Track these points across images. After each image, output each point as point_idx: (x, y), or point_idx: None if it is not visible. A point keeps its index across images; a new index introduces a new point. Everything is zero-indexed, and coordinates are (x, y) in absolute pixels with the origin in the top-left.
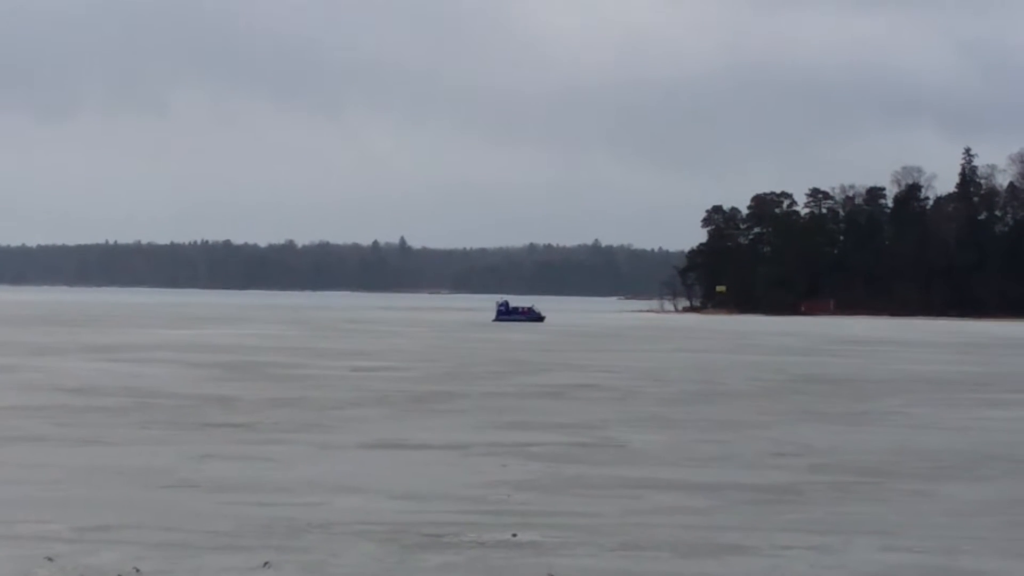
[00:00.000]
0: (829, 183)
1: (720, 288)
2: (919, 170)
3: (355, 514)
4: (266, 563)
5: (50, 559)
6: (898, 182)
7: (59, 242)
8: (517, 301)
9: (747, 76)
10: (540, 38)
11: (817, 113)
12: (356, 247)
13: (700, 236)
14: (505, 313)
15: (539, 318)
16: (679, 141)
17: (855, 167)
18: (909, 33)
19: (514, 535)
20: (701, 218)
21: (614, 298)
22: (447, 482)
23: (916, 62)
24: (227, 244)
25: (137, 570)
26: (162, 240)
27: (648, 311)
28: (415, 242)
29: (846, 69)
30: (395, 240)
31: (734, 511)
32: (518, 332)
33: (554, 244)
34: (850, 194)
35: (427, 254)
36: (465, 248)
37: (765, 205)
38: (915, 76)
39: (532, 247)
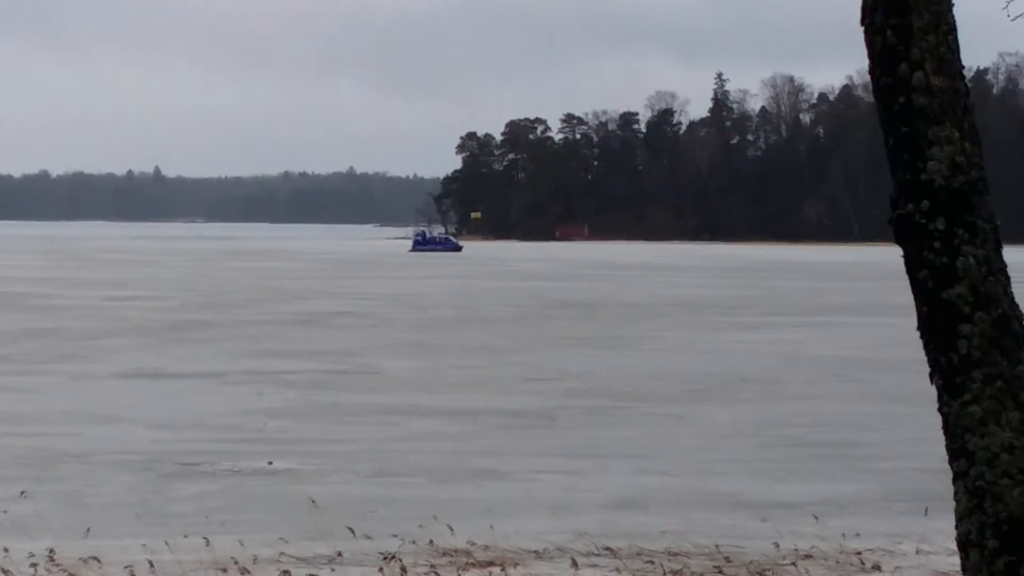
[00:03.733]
0: (580, 108)
1: (475, 214)
2: (672, 95)
3: (110, 444)
4: (22, 492)
5: None
6: (651, 107)
7: None
8: (273, 230)
9: (458, 4)
10: None
11: (554, 38)
12: (111, 176)
13: (455, 163)
14: (422, 243)
15: (457, 248)
16: (421, 67)
17: (604, 92)
18: None
19: (270, 463)
20: (455, 145)
21: (369, 226)
22: (202, 411)
23: None
24: None
25: None
26: None
27: (404, 238)
28: (170, 171)
29: None
30: (149, 170)
31: (489, 436)
32: (277, 260)
33: (309, 172)
34: (604, 120)
35: (182, 183)
36: (220, 177)
37: (519, 131)
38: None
39: (287, 175)
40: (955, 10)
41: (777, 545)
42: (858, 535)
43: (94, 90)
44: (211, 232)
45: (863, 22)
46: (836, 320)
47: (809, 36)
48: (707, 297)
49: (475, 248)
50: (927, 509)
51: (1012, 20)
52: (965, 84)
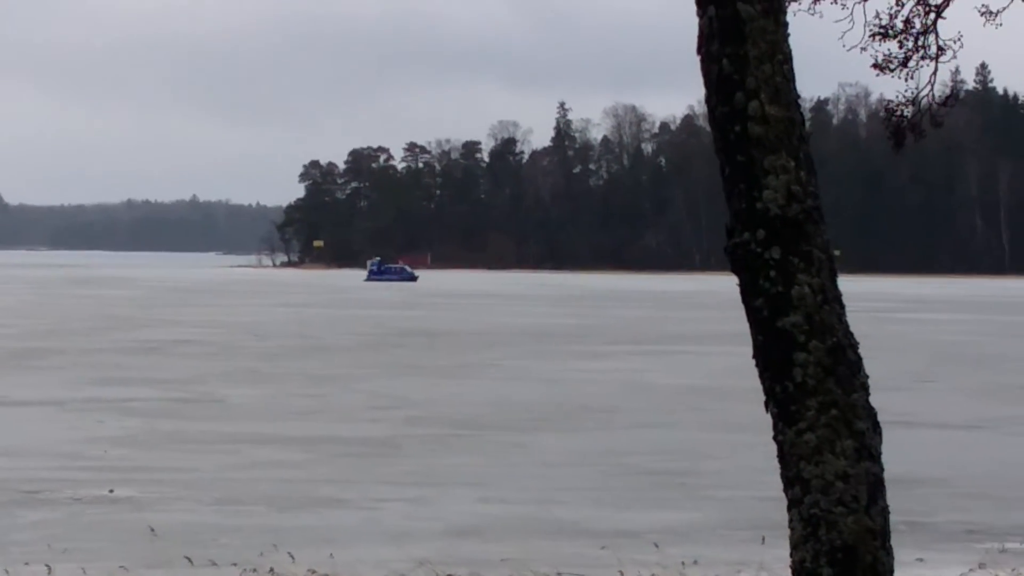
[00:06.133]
0: (423, 137)
1: (317, 243)
2: (515, 124)
3: None
4: None
5: None
6: (494, 136)
7: None
8: (115, 258)
9: (297, 28)
10: None
11: (392, 66)
12: None
13: (298, 191)
14: (377, 273)
15: (412, 278)
16: (265, 95)
17: (447, 120)
18: None
19: (111, 491)
20: (299, 173)
21: (213, 254)
22: (44, 438)
23: (468, 12)
24: None
25: None
26: None
27: (246, 266)
28: (12, 198)
29: (391, 19)
30: None
31: (331, 464)
32: (120, 288)
33: (152, 200)
34: (446, 148)
35: (24, 210)
36: (63, 204)
37: (362, 159)
38: (470, 27)
39: (130, 203)
40: (795, 41)
41: (621, 573)
42: (697, 563)
43: None
44: (54, 260)
45: (699, 51)
46: (677, 349)
47: (651, 65)
48: (549, 326)
49: (317, 276)
50: (764, 537)
51: (848, 51)
52: (800, 113)
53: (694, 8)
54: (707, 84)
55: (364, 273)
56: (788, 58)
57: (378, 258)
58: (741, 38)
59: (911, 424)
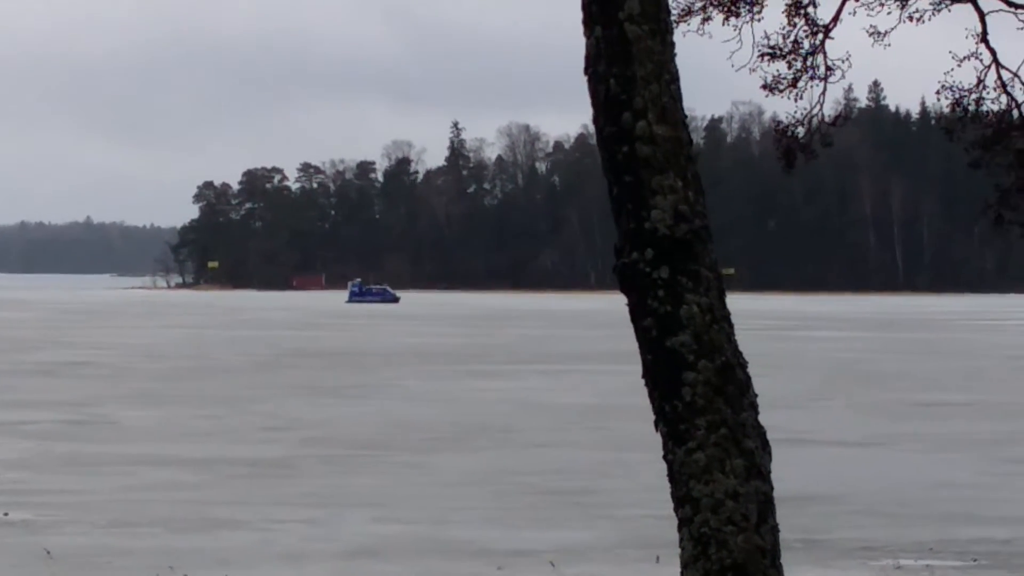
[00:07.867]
0: (317, 157)
1: (212, 264)
2: (409, 144)
3: None
4: None
5: None
6: (388, 156)
7: None
8: (8, 280)
9: (175, 49)
10: None
11: (283, 86)
12: None
13: (192, 212)
14: (358, 294)
15: (394, 299)
16: (158, 115)
17: (341, 141)
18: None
19: (5, 514)
20: (193, 194)
21: (107, 275)
22: None
23: (347, 31)
24: None
25: None
26: None
27: (141, 288)
28: None
29: (260, 38)
30: None
31: (226, 486)
32: (13, 311)
33: (45, 222)
34: (341, 168)
35: None
36: None
37: (256, 180)
38: (347, 46)
39: (24, 225)
40: (688, 59)
41: None
42: None
43: None
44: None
45: (587, 71)
46: (572, 368)
47: (543, 84)
48: (445, 346)
49: (212, 297)
50: (658, 556)
51: (736, 71)
52: (688, 133)
53: (581, 28)
54: (595, 104)
55: (253, 294)
56: (675, 78)
57: (359, 279)
58: (628, 58)
59: (806, 441)
